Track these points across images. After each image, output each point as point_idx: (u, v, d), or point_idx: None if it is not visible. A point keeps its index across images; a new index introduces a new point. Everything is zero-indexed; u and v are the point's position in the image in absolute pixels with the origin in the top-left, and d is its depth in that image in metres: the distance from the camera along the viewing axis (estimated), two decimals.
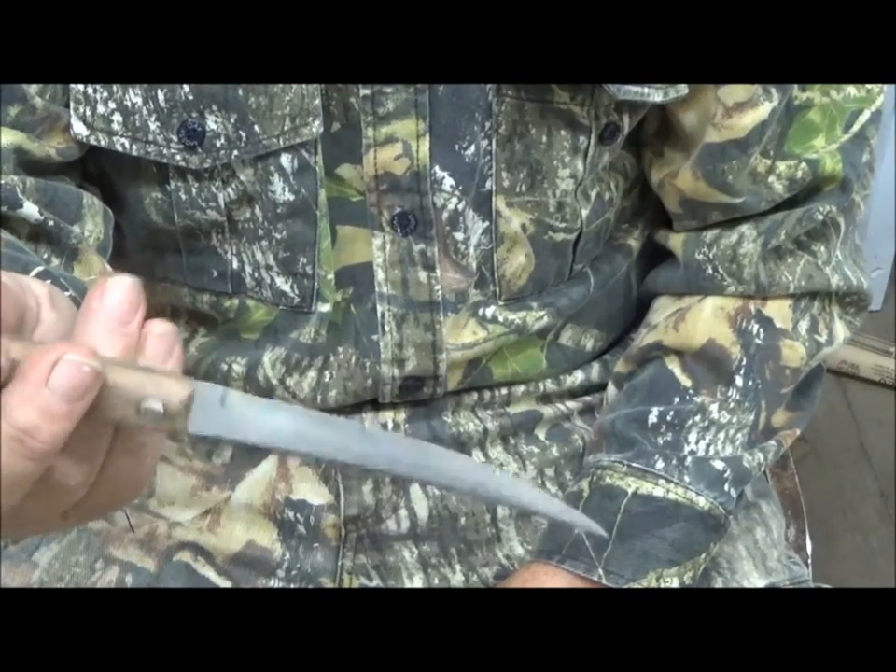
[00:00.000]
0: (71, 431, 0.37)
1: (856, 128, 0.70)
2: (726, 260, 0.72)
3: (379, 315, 0.68)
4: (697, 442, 0.71)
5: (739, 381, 0.71)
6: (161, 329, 0.40)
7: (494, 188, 0.66)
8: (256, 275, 0.67)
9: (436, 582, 0.74)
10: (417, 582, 0.74)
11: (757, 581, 0.74)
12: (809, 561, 0.88)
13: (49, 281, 0.53)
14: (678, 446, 0.70)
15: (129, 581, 0.73)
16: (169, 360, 0.40)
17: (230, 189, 0.64)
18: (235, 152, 0.62)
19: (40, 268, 0.54)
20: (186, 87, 0.60)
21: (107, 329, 0.39)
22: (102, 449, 0.40)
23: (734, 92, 0.66)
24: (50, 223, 0.59)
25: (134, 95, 0.61)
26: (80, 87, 0.61)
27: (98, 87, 0.61)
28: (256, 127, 0.61)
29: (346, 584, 0.74)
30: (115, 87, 0.60)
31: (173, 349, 0.40)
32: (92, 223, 0.63)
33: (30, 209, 0.58)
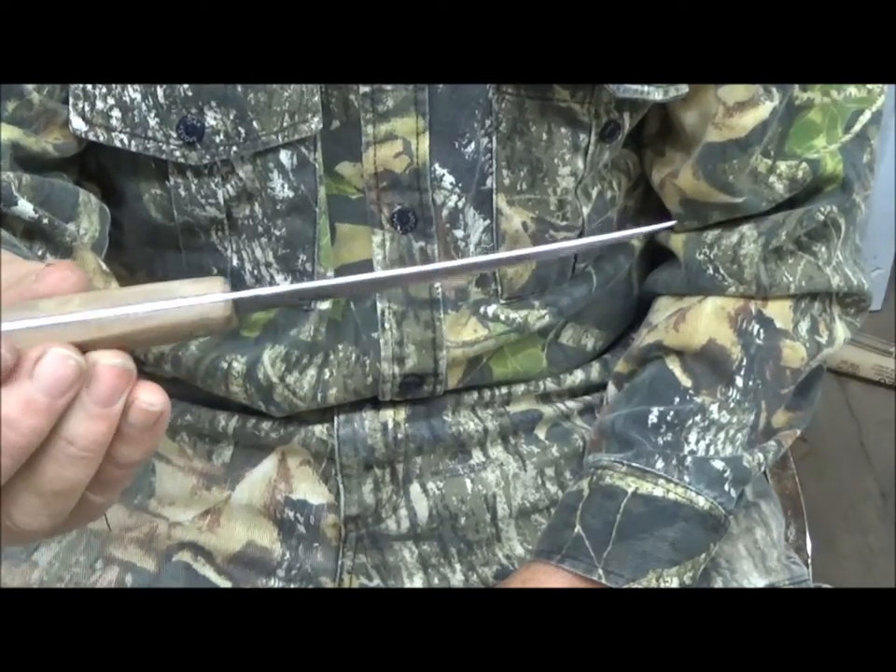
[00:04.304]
0: (48, 429, 0.37)
1: (857, 128, 0.70)
2: (727, 261, 0.72)
3: (379, 312, 0.68)
4: (697, 442, 0.71)
5: (739, 381, 0.71)
6: (150, 398, 0.39)
7: (494, 185, 0.66)
8: (255, 272, 0.67)
9: (436, 582, 0.74)
10: (417, 582, 0.74)
11: (757, 580, 0.74)
12: (809, 561, 0.88)
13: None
14: (678, 446, 0.70)
15: (129, 581, 0.73)
16: (152, 431, 0.39)
17: (229, 186, 0.64)
18: (234, 148, 0.62)
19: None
20: (185, 83, 0.60)
21: (89, 414, 0.38)
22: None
23: (734, 92, 0.66)
24: (45, 221, 0.59)
25: (133, 91, 0.61)
26: None
27: None
28: (255, 123, 0.61)
29: (346, 584, 0.74)
30: None
31: (158, 422, 0.39)
32: (88, 221, 0.63)
33: (24, 207, 0.58)
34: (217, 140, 0.62)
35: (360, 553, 0.74)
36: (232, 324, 0.40)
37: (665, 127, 0.71)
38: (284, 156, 0.63)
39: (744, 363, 0.71)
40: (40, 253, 0.60)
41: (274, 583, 0.73)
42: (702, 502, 0.69)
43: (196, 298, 0.39)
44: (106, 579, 0.73)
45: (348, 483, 0.72)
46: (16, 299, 0.38)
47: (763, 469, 0.72)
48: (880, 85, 0.70)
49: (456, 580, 0.74)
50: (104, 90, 0.61)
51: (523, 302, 0.71)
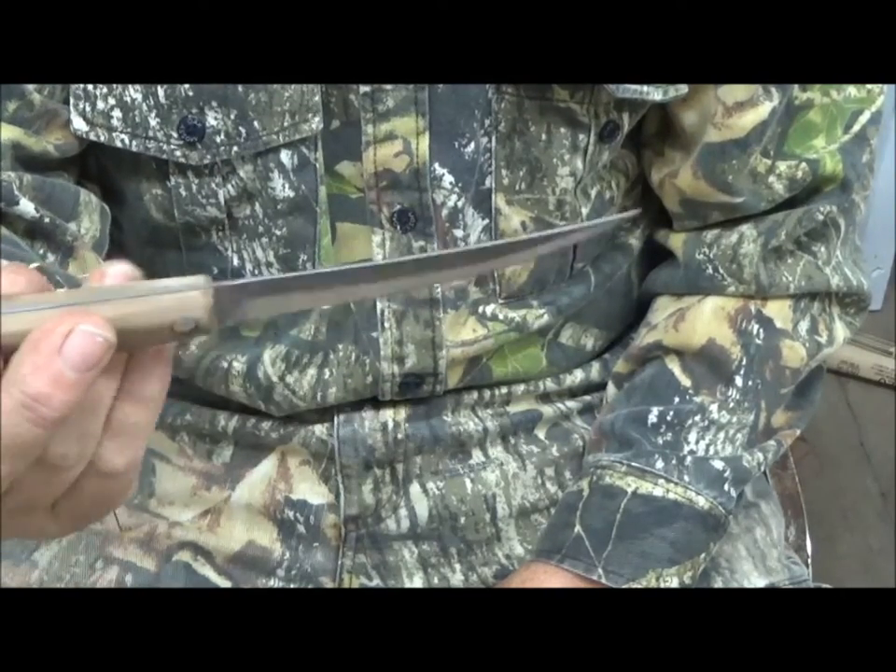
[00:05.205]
0: (80, 401, 0.38)
1: (856, 128, 0.70)
2: (726, 260, 0.72)
3: (379, 311, 0.68)
4: (697, 442, 0.71)
5: (739, 381, 0.71)
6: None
7: (493, 185, 0.66)
8: (256, 272, 0.67)
9: (436, 582, 0.74)
10: (417, 582, 0.74)
11: (757, 580, 0.74)
12: (809, 561, 0.88)
13: (44, 278, 0.54)
14: (677, 446, 0.70)
15: (129, 581, 0.73)
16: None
17: (229, 186, 0.64)
18: (235, 148, 0.62)
19: (35, 265, 0.54)
20: (186, 83, 0.60)
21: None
22: (97, 424, 0.40)
23: (734, 92, 0.66)
24: (46, 220, 0.59)
25: (134, 91, 0.61)
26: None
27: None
28: (255, 123, 0.62)
29: (346, 584, 0.74)
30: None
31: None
32: (89, 221, 0.63)
33: (26, 206, 0.59)
34: (218, 140, 0.62)
35: (360, 553, 0.74)
36: (214, 321, 0.39)
37: (664, 127, 0.71)
38: (284, 156, 0.63)
39: (743, 363, 0.71)
40: (41, 252, 0.60)
41: (274, 583, 0.73)
42: (702, 502, 0.69)
43: (178, 282, 0.39)
44: (106, 579, 0.73)
45: (348, 483, 0.72)
46: None
47: (762, 468, 0.72)
48: (880, 85, 0.70)
49: (456, 580, 0.74)
50: (104, 90, 0.61)
51: (521, 302, 0.71)
